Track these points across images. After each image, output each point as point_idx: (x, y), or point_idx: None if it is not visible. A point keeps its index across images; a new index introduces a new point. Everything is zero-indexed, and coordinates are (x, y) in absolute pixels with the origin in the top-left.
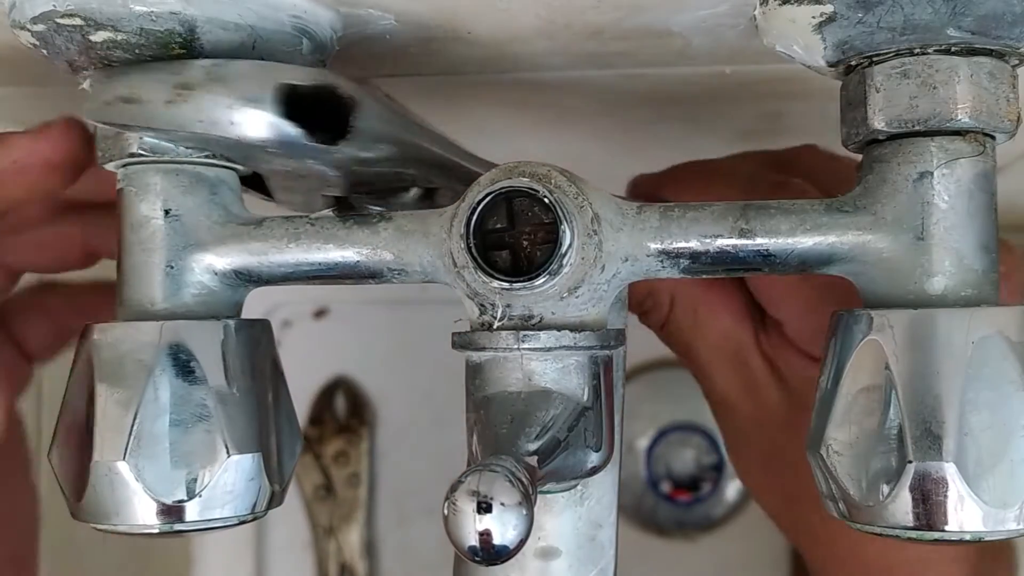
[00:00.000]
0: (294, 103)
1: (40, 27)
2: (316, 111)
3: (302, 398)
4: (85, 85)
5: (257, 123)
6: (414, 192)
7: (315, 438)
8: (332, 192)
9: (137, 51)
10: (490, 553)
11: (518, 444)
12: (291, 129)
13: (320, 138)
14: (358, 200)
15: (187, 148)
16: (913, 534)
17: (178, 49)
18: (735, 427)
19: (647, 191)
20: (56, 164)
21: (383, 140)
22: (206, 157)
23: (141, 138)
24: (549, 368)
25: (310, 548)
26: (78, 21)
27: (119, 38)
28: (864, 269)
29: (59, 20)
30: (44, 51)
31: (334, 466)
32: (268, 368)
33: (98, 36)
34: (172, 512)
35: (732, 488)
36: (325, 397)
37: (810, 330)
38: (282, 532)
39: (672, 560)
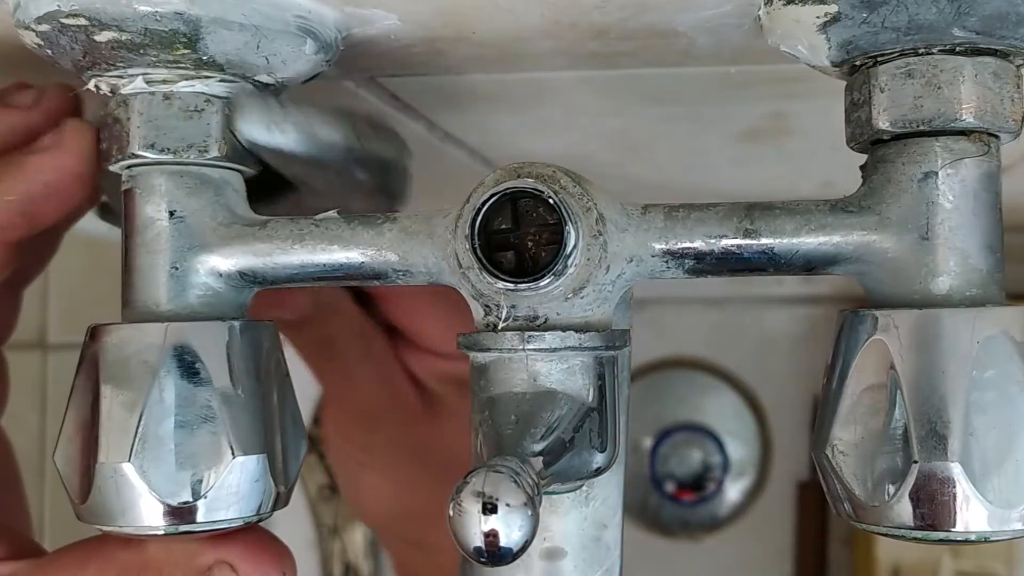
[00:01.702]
0: None
1: (44, 27)
2: None
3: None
4: (90, 85)
5: None
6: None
7: (320, 438)
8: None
9: (142, 51)
10: (495, 554)
11: (523, 445)
12: None
13: None
14: None
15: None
16: (918, 534)
17: (182, 49)
18: (384, 437)
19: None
20: (84, 176)
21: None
22: (214, 159)
23: (145, 138)
24: (554, 369)
25: (315, 548)
26: (83, 21)
27: (123, 38)
28: (869, 269)
29: (63, 20)
30: (48, 51)
31: None
32: (273, 369)
33: (102, 36)
34: (177, 513)
35: (736, 488)
36: None
37: (433, 333)
38: (286, 532)
39: (676, 560)
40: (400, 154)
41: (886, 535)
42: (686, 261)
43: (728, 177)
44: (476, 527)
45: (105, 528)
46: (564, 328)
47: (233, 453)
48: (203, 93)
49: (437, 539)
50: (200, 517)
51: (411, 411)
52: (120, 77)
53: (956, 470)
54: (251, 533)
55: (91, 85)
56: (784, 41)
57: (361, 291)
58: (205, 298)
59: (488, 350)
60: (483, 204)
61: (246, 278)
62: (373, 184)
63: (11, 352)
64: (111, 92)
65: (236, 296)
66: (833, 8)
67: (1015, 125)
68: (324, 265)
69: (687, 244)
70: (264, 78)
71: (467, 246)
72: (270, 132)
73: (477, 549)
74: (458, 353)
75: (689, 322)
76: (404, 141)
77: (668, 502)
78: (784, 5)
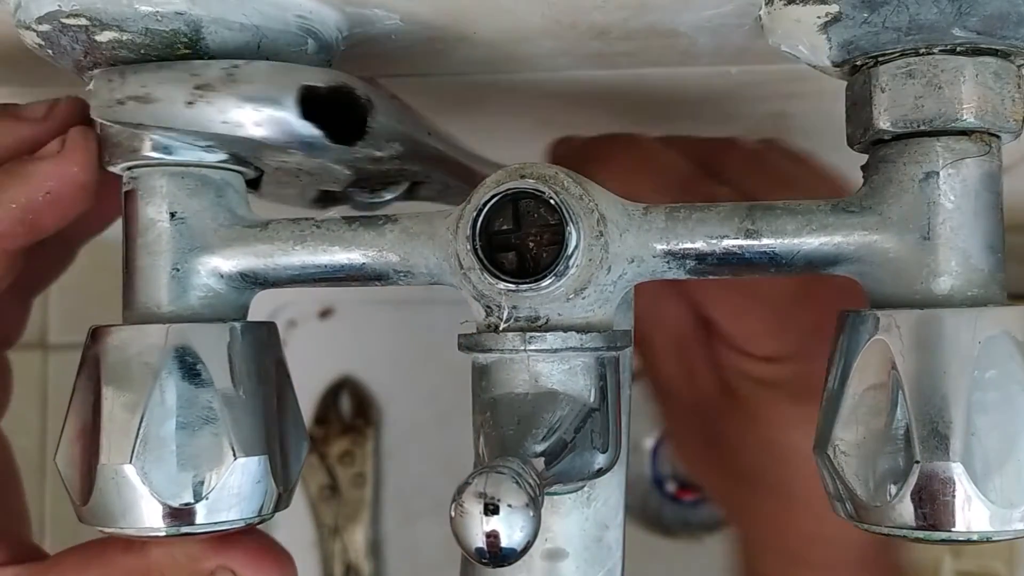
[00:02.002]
0: (314, 105)
1: (45, 27)
2: (336, 113)
3: (307, 398)
4: (91, 85)
5: (279, 125)
6: (403, 185)
7: (320, 438)
8: (330, 187)
9: (142, 51)
10: (497, 555)
11: (525, 445)
12: (313, 131)
13: (339, 139)
14: (348, 193)
15: (198, 148)
16: (920, 534)
17: (183, 49)
18: (677, 412)
19: (569, 155)
20: (87, 184)
21: (395, 139)
22: (216, 159)
23: (149, 139)
24: (556, 369)
25: (315, 548)
26: (83, 21)
27: (124, 38)
28: (870, 269)
29: (64, 20)
30: (49, 51)
31: (339, 466)
32: (274, 370)
33: (103, 36)
34: (179, 515)
35: None
36: (330, 397)
37: (743, 329)
38: (287, 532)
39: (678, 560)
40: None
41: (888, 535)
42: (687, 262)
43: None
44: (478, 528)
45: (106, 529)
46: (565, 329)
47: (234, 454)
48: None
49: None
50: (201, 518)
51: (708, 402)
52: None
53: (958, 470)
54: (253, 538)
55: (92, 86)
56: (785, 41)
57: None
58: (206, 299)
59: (489, 351)
60: (484, 205)
61: (247, 279)
62: None
63: (12, 352)
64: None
65: (237, 297)
66: (834, 8)
67: (1016, 125)
68: (325, 266)
69: (688, 244)
70: None
71: (468, 247)
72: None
73: (479, 550)
74: (767, 355)
75: None
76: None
77: (669, 502)
78: (785, 5)
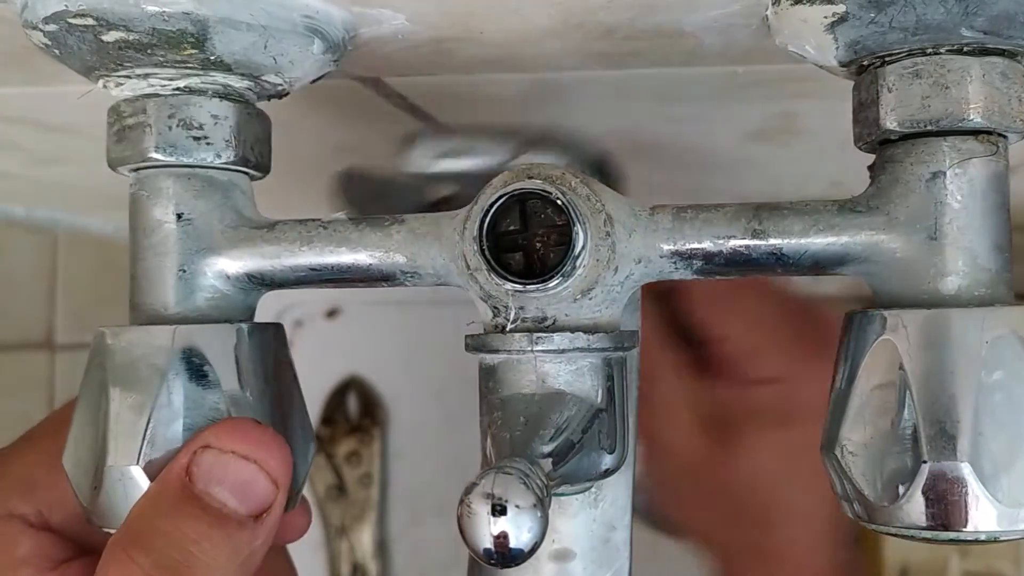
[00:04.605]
0: None
1: (52, 27)
2: None
3: (314, 398)
4: (98, 85)
5: None
6: None
7: (327, 438)
8: None
9: (149, 51)
10: (505, 556)
11: (532, 446)
12: None
13: None
14: None
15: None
16: (928, 534)
17: (190, 49)
18: (669, 467)
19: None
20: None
21: None
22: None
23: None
24: (563, 370)
25: (322, 548)
26: (90, 21)
27: (131, 38)
28: (877, 269)
29: (71, 20)
30: (56, 51)
31: (346, 466)
32: (281, 371)
33: (110, 36)
34: None
35: None
36: (337, 397)
37: (747, 348)
38: None
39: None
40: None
41: (896, 535)
42: (694, 262)
43: (736, 177)
44: (486, 529)
45: (113, 531)
46: (573, 329)
47: None
48: (214, 97)
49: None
50: None
51: (695, 449)
52: (128, 77)
53: (966, 470)
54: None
55: (99, 85)
56: (792, 41)
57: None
58: (213, 300)
59: (497, 351)
60: (491, 206)
61: (254, 280)
62: None
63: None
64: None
65: (244, 298)
66: (841, 8)
67: (1023, 125)
68: (332, 267)
69: (695, 245)
70: (272, 78)
71: (475, 248)
72: (443, 161)
73: (487, 551)
74: (763, 378)
75: None
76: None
77: None
78: (792, 5)
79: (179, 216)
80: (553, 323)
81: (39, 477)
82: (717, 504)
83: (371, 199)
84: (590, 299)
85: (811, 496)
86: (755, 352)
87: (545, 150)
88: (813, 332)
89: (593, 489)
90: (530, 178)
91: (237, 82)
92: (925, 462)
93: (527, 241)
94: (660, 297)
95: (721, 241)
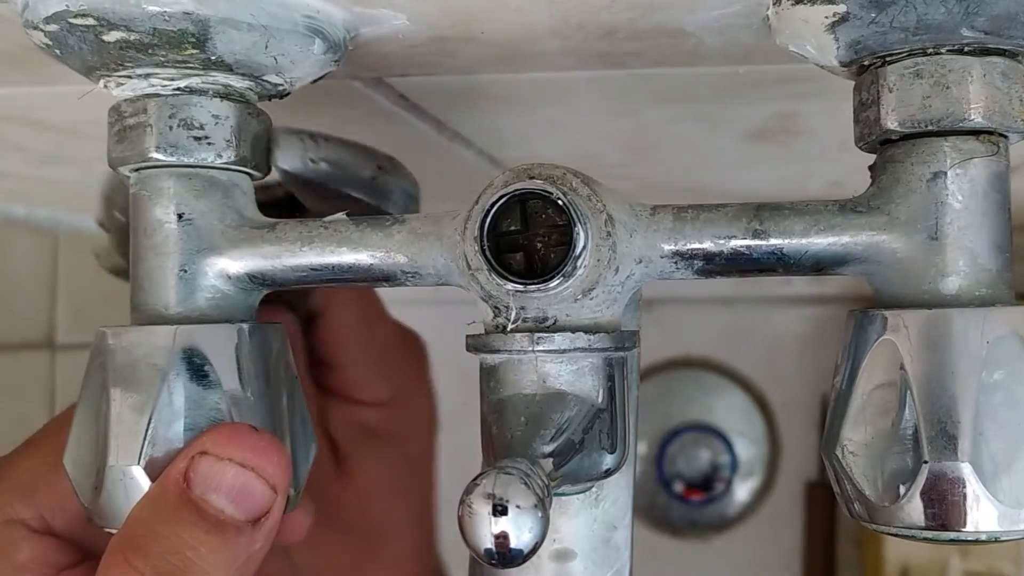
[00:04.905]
0: None
1: (53, 27)
2: None
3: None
4: (100, 85)
5: None
6: None
7: None
8: None
9: (150, 51)
10: (506, 556)
11: (533, 446)
12: None
13: None
14: None
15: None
16: (929, 534)
17: (191, 49)
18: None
19: None
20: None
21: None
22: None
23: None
24: (564, 370)
25: None
26: (91, 21)
27: (132, 38)
28: (878, 269)
29: (72, 20)
30: (57, 51)
31: None
32: (282, 371)
33: (111, 36)
34: None
35: (745, 488)
36: None
37: (358, 377)
38: None
39: (685, 560)
40: (411, 187)
41: (897, 535)
42: (695, 262)
43: (737, 177)
44: (486, 529)
45: (114, 530)
46: (573, 329)
47: None
48: (214, 97)
49: None
50: None
51: (323, 472)
52: (129, 77)
53: (966, 470)
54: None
55: (100, 85)
56: (793, 41)
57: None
58: (214, 301)
59: (497, 351)
60: (492, 206)
61: (255, 280)
62: (383, 212)
63: (19, 352)
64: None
65: (245, 298)
66: (842, 8)
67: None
68: (333, 267)
69: (696, 245)
70: (273, 78)
71: (476, 248)
72: (305, 165)
73: (488, 551)
74: (375, 401)
75: (697, 322)
76: (413, 176)
77: (677, 502)
78: (793, 5)
79: (180, 216)
80: (554, 323)
81: (40, 482)
82: (334, 525)
83: None
84: (591, 299)
85: (413, 510)
86: (365, 378)
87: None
88: (413, 356)
89: (594, 489)
90: (531, 178)
91: (238, 82)
92: (926, 462)
93: (528, 241)
94: (307, 323)
95: (722, 241)
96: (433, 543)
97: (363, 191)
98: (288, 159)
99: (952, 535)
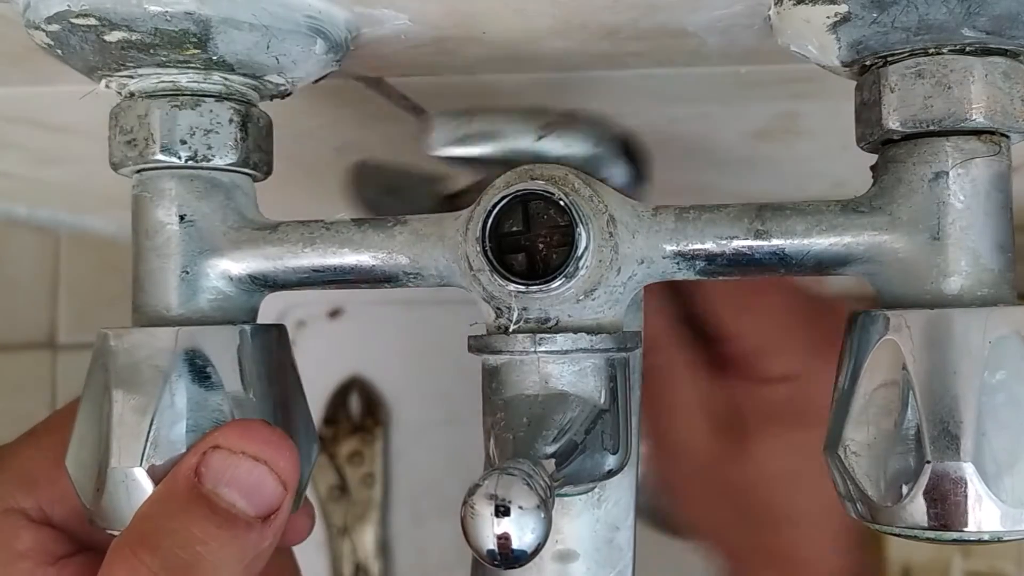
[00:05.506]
0: None
1: (55, 27)
2: None
3: (316, 398)
4: (101, 86)
5: None
6: None
7: (329, 438)
8: None
9: (152, 51)
10: (508, 557)
11: (535, 447)
12: None
13: None
14: None
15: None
16: (931, 534)
17: (192, 49)
18: (684, 468)
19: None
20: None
21: None
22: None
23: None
24: (566, 371)
25: (324, 548)
26: (92, 21)
27: (134, 38)
28: (880, 269)
29: (74, 20)
30: (59, 51)
31: (348, 466)
32: (284, 373)
33: (112, 36)
34: None
35: None
36: (340, 397)
37: (761, 346)
38: None
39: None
40: (601, 136)
41: (899, 535)
42: (697, 262)
43: (738, 178)
44: (489, 530)
45: (116, 532)
46: (576, 330)
47: None
48: (216, 98)
49: None
50: None
51: (710, 451)
52: (130, 77)
53: (969, 470)
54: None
55: (101, 85)
56: (794, 41)
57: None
58: (216, 302)
59: (499, 352)
60: (494, 206)
61: (257, 282)
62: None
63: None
64: (123, 94)
65: (247, 300)
66: (843, 8)
67: None
68: (335, 268)
69: (698, 245)
70: (274, 78)
71: (478, 248)
72: (460, 146)
73: (490, 552)
74: (778, 375)
75: None
76: (609, 125)
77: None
78: (794, 5)
79: (182, 217)
80: (556, 324)
81: (41, 473)
82: (729, 505)
83: (385, 193)
84: (593, 300)
85: (824, 498)
86: (768, 349)
87: (569, 131)
88: (826, 328)
89: (596, 490)
90: (533, 179)
91: (239, 82)
92: (928, 462)
93: (530, 242)
94: (673, 294)
95: (724, 242)
96: (856, 542)
97: (529, 156)
98: (440, 143)
99: (954, 535)
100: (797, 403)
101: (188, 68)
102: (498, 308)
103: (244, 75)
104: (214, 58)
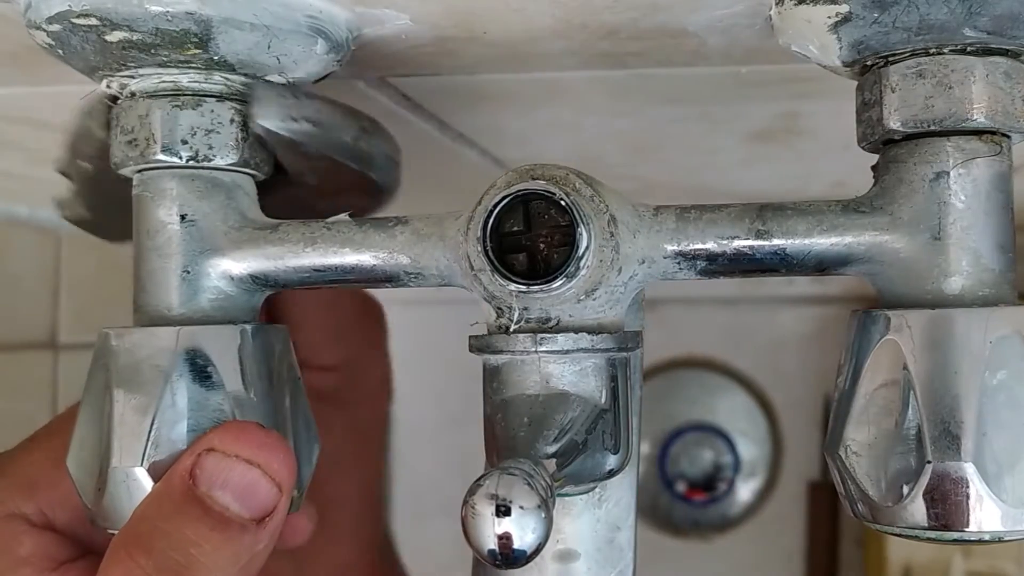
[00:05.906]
0: None
1: (56, 27)
2: None
3: None
4: (102, 86)
5: None
6: None
7: None
8: None
9: (153, 51)
10: (509, 557)
11: (536, 447)
12: None
13: None
14: None
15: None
16: (932, 534)
17: (193, 49)
18: None
19: None
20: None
21: None
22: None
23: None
24: (567, 371)
25: None
26: (94, 21)
27: (134, 38)
28: (881, 269)
29: (75, 20)
30: (60, 51)
31: None
32: (285, 372)
33: (113, 36)
34: None
35: (747, 488)
36: None
37: (307, 340)
38: None
39: (687, 560)
40: (393, 151)
41: (900, 535)
42: (698, 262)
43: (739, 177)
44: (490, 530)
45: (117, 532)
46: (576, 330)
47: None
48: (218, 98)
49: None
50: None
51: None
52: (131, 77)
53: (970, 470)
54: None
55: (103, 85)
56: (795, 41)
57: None
58: (217, 302)
59: (500, 352)
60: (495, 206)
61: (258, 281)
62: (365, 178)
63: (21, 352)
64: (124, 94)
65: (248, 300)
66: (844, 8)
67: None
68: (336, 268)
69: (699, 245)
70: (275, 78)
71: (479, 248)
72: (286, 123)
73: (491, 552)
74: (326, 365)
75: (700, 322)
76: (395, 140)
77: (679, 502)
78: (795, 5)
79: (183, 217)
80: (557, 324)
81: (42, 477)
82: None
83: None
84: (594, 300)
85: (362, 479)
86: (317, 342)
87: (377, 137)
88: (368, 321)
89: (597, 489)
90: (534, 179)
91: (240, 82)
92: (929, 462)
93: (531, 242)
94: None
95: (725, 242)
96: (381, 514)
97: (345, 154)
98: (268, 116)
99: (955, 535)
100: (339, 389)
101: (189, 68)
102: (499, 308)
103: (245, 75)
104: (215, 58)
